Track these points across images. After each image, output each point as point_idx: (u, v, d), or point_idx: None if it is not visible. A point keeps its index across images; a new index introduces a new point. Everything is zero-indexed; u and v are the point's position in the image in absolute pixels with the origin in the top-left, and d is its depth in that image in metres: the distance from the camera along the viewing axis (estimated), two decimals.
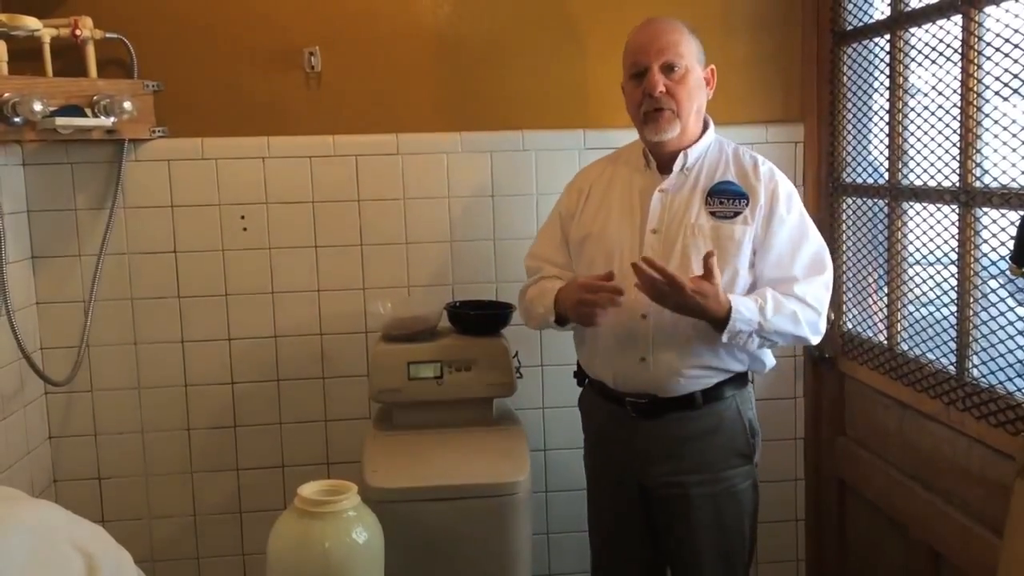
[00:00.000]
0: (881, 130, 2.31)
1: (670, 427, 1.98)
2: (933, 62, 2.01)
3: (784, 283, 1.93)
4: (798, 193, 2.05)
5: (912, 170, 2.16)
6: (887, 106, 2.22)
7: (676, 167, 1.98)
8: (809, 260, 1.95)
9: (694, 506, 1.98)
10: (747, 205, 1.95)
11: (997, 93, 1.79)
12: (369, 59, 2.52)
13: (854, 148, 2.44)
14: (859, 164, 2.41)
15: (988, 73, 1.81)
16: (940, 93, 1.99)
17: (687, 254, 1.93)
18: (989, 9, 1.82)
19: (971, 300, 1.90)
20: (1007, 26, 1.74)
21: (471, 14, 2.54)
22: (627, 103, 2.02)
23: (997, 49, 1.76)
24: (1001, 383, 1.80)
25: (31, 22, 2.19)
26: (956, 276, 1.94)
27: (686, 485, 1.98)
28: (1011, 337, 1.77)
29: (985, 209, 1.85)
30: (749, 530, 2.04)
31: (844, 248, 2.47)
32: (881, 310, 2.32)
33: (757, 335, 1.89)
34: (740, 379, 2.01)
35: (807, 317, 1.91)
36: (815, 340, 1.97)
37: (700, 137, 2.01)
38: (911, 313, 2.20)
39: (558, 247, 2.15)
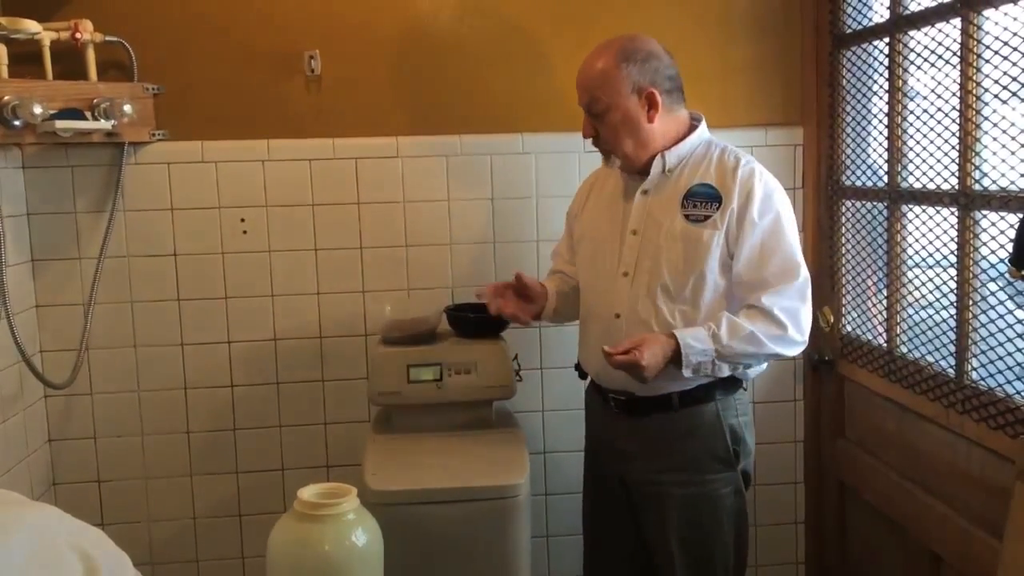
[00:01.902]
0: (880, 133, 2.31)
1: (649, 425, 1.99)
2: (932, 65, 2.01)
3: (755, 288, 1.89)
4: (797, 195, 2.02)
5: (911, 173, 2.16)
6: (886, 109, 2.23)
7: (654, 170, 1.98)
8: (781, 266, 1.89)
9: (668, 506, 1.98)
10: (718, 208, 1.91)
11: (996, 96, 1.79)
12: (369, 62, 2.53)
13: (853, 151, 2.44)
14: (858, 167, 2.42)
15: (987, 76, 1.81)
16: (939, 96, 1.99)
17: (658, 257, 1.94)
18: (988, 12, 1.82)
19: (970, 303, 1.90)
20: (1006, 29, 1.74)
21: (470, 17, 2.54)
22: None
23: (996, 52, 1.77)
24: (1001, 386, 1.80)
25: (31, 25, 2.19)
26: (955, 279, 1.94)
27: (663, 484, 1.99)
28: (1010, 340, 1.77)
29: (984, 212, 1.85)
30: (733, 537, 2.00)
31: (843, 251, 2.47)
32: (880, 313, 2.32)
33: (722, 361, 1.86)
34: (728, 383, 1.97)
35: (769, 334, 1.85)
36: (790, 353, 1.92)
37: (685, 138, 1.99)
38: (910, 316, 2.20)
39: (567, 243, 2.25)
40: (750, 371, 1.99)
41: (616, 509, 2.10)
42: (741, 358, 1.88)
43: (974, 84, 1.85)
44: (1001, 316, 1.79)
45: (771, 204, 1.92)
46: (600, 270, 2.03)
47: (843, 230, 2.48)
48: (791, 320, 1.87)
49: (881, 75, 2.30)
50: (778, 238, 1.91)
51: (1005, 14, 1.76)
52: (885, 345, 2.27)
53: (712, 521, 1.99)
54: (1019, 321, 1.75)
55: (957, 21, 1.89)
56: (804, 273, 1.92)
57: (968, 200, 1.88)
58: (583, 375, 2.18)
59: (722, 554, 2.00)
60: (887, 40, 2.22)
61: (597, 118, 1.95)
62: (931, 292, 2.06)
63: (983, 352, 1.85)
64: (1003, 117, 1.77)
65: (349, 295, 2.58)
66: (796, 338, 1.89)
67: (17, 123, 2.09)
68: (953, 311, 1.96)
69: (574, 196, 2.24)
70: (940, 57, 1.97)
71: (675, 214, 1.94)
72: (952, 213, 1.94)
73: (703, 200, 1.93)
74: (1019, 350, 1.74)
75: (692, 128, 2.01)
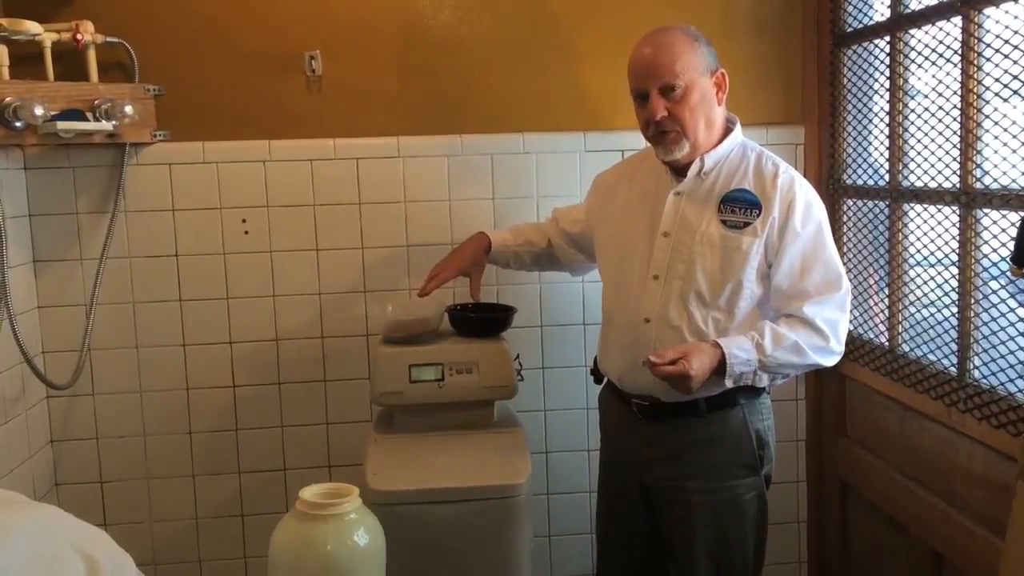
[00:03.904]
0: (881, 132, 2.31)
1: (672, 431, 1.97)
2: (933, 63, 2.01)
3: (795, 298, 1.88)
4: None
5: (912, 171, 2.16)
6: (887, 108, 2.23)
7: (692, 172, 1.95)
8: (823, 276, 1.88)
9: (693, 512, 1.96)
10: (759, 215, 1.89)
11: (997, 94, 1.79)
12: (370, 62, 2.53)
13: (854, 150, 2.44)
14: (859, 166, 2.42)
15: (988, 74, 1.81)
16: (940, 94, 1.99)
17: (692, 261, 1.91)
18: (988, 10, 1.82)
19: (972, 301, 1.90)
20: (1007, 27, 1.74)
21: (471, 17, 2.54)
22: (637, 120, 1.98)
23: (997, 50, 1.77)
24: (1002, 384, 1.80)
25: (32, 26, 2.19)
26: (957, 277, 1.94)
27: (686, 491, 1.97)
28: (1012, 338, 1.77)
29: (985, 210, 1.85)
30: (754, 541, 1.99)
31: (845, 250, 2.47)
32: (882, 312, 2.32)
33: (764, 371, 1.85)
34: (752, 388, 1.93)
35: (812, 343, 1.85)
36: (829, 363, 1.91)
37: (721, 141, 1.97)
38: (912, 314, 2.20)
39: (574, 221, 2.24)
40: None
41: (633, 517, 2.07)
42: (783, 368, 1.87)
43: (975, 82, 1.85)
44: (1003, 314, 1.79)
45: (812, 214, 1.90)
46: (627, 272, 1.99)
47: (844, 229, 2.47)
48: (832, 331, 1.87)
49: (882, 74, 2.30)
50: (820, 248, 1.90)
51: (1006, 12, 1.76)
52: (887, 344, 2.27)
53: (736, 526, 1.97)
54: (1021, 319, 1.75)
55: (958, 19, 1.89)
56: (846, 284, 1.91)
57: (969, 198, 1.88)
58: (599, 379, 2.16)
59: (743, 558, 1.99)
60: (888, 39, 2.22)
61: (675, 98, 1.88)
62: (933, 291, 2.06)
63: (985, 351, 1.85)
64: (1004, 115, 1.77)
65: (350, 295, 2.58)
66: (835, 349, 1.89)
67: (18, 124, 2.10)
68: (955, 310, 1.96)
69: (590, 191, 2.22)
70: (941, 55, 1.97)
71: (711, 218, 1.91)
72: (953, 211, 1.95)
73: (742, 206, 1.90)
74: (1021, 348, 1.74)
75: (727, 130, 1.99)
